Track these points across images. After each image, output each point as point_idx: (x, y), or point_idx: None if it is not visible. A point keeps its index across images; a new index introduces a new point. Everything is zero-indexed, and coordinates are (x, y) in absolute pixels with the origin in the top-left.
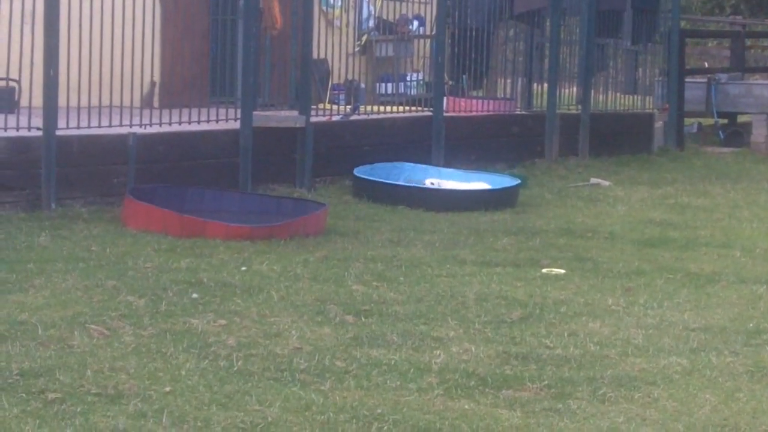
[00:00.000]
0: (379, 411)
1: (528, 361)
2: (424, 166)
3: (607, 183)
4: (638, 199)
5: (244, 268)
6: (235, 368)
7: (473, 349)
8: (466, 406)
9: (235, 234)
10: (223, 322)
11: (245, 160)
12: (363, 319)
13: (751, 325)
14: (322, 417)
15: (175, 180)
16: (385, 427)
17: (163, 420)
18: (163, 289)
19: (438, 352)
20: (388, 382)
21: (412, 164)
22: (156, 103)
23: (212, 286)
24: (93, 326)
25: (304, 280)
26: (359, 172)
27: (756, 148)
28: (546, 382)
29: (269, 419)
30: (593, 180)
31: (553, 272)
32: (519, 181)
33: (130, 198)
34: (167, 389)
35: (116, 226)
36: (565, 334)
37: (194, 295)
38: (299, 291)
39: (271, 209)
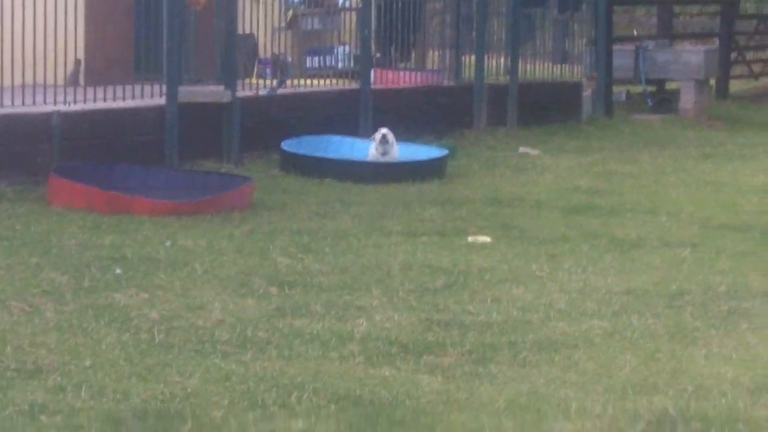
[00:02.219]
0: (299, 380)
1: (450, 327)
2: (351, 138)
3: (535, 152)
4: (566, 167)
5: (168, 243)
6: (157, 341)
7: (396, 317)
8: (387, 373)
9: (160, 210)
10: (145, 296)
11: (171, 136)
12: (287, 290)
13: (673, 287)
14: (243, 387)
15: (102, 158)
16: (305, 396)
17: (82, 394)
18: (87, 266)
19: (361, 321)
20: (309, 351)
21: (339, 137)
22: (81, 82)
23: (136, 262)
24: (14, 303)
25: (228, 253)
26: (286, 145)
27: (684, 114)
28: (468, 347)
29: (189, 390)
30: (521, 149)
31: (479, 240)
32: (446, 152)
33: (54, 176)
34: (87, 363)
35: (41, 205)
36: (489, 301)
37: (117, 271)
38: (223, 264)
39: (197, 185)
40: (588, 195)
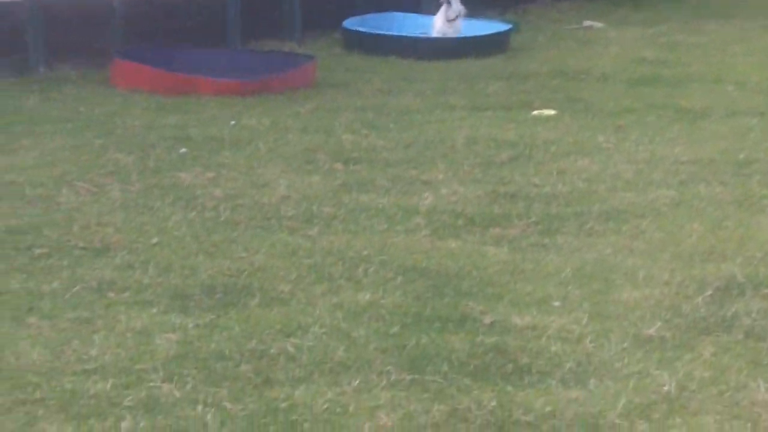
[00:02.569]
0: (365, 253)
1: (516, 199)
2: (415, 15)
3: (600, 24)
4: (631, 38)
5: (233, 123)
6: (222, 218)
7: (461, 190)
8: (453, 245)
9: (224, 89)
10: (210, 175)
11: (233, 16)
12: (352, 166)
13: (741, 156)
14: (309, 261)
15: (164, 41)
16: (372, 268)
17: (150, 270)
18: (151, 146)
19: (426, 194)
20: (375, 225)
21: (403, 14)
22: None
23: (200, 141)
24: (80, 183)
25: (293, 131)
26: (349, 24)
27: None
28: (533, 218)
29: (256, 265)
30: (586, 22)
31: (544, 114)
32: (510, 26)
33: (118, 58)
34: (154, 241)
35: (105, 88)
36: (554, 173)
37: (182, 150)
38: (288, 142)
39: (260, 65)
40: (653, 66)
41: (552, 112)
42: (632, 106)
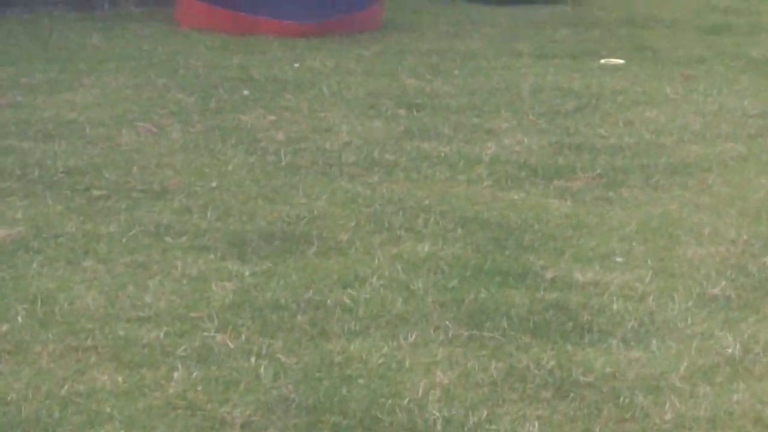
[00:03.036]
0: (426, 202)
1: (581, 150)
2: None
3: None
4: None
5: (296, 65)
6: (283, 163)
7: (525, 140)
8: (516, 197)
9: (288, 31)
10: (272, 117)
11: None
12: (415, 112)
13: None
14: (369, 209)
15: None
16: (432, 218)
17: (208, 214)
18: (214, 87)
19: (489, 144)
20: (437, 173)
21: None
22: None
23: (263, 83)
24: (140, 124)
25: (356, 74)
26: None
27: None
28: (598, 171)
29: (315, 212)
30: None
31: (612, 62)
32: None
33: None
34: (213, 184)
35: (169, 26)
36: (621, 124)
37: (245, 92)
38: (351, 86)
39: (326, 5)
40: (725, 14)
41: (620, 61)
42: (701, 55)
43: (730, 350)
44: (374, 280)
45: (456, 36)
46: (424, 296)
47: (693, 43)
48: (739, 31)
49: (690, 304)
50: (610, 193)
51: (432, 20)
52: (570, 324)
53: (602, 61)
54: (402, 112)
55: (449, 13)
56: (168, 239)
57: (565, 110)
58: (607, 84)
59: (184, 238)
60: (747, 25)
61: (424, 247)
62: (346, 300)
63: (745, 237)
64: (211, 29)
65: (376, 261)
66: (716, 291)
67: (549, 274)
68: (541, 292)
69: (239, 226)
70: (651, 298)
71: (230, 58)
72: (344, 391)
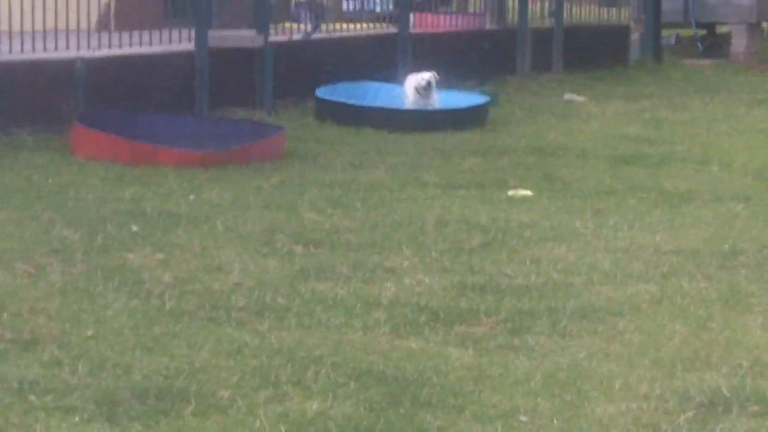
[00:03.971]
0: (318, 353)
1: (485, 292)
2: (389, 85)
3: (581, 98)
4: (613, 113)
5: (192, 197)
6: (167, 308)
7: (427, 280)
8: (414, 345)
9: (186, 160)
10: (161, 256)
11: (202, 83)
12: (312, 249)
13: (726, 246)
14: (255, 361)
15: (128, 106)
16: (323, 371)
17: (80, 368)
18: (103, 221)
19: (389, 284)
20: (331, 319)
21: (377, 84)
22: (111, 26)
23: (155, 217)
24: (19, 264)
25: (254, 208)
26: (321, 93)
27: (735, 58)
28: (503, 315)
29: (196, 365)
30: (567, 95)
31: (520, 194)
32: (488, 99)
33: (77, 124)
34: (89, 333)
35: (63, 156)
36: (528, 261)
37: (134, 228)
38: (248, 220)
39: (227, 134)
40: (636, 144)
41: (528, 192)
42: (612, 186)
43: None
44: None
45: (360, 166)
46: None
47: (604, 174)
48: (650, 161)
49: None
50: (515, 341)
51: (336, 150)
52: None
53: (510, 192)
54: (299, 249)
55: (354, 142)
56: (32, 398)
57: (470, 246)
58: (515, 217)
59: (50, 396)
60: (658, 154)
61: (313, 405)
62: None
63: (658, 391)
64: (107, 159)
65: (258, 422)
66: None
67: None
68: None
69: (112, 381)
70: None
71: (123, 191)
72: None
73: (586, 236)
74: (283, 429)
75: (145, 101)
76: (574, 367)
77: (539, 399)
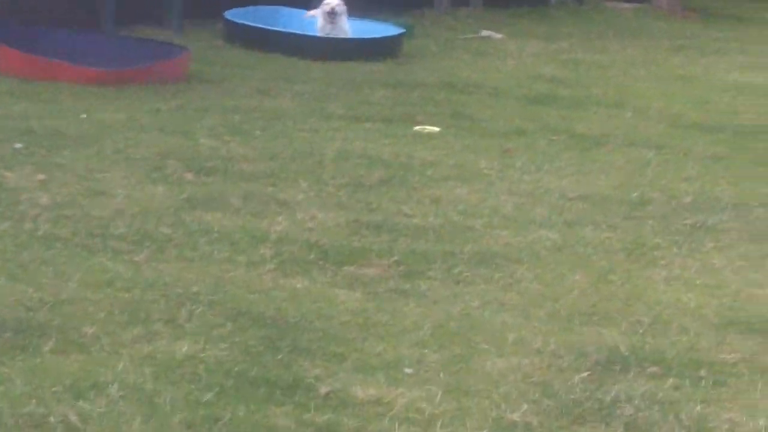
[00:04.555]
0: (194, 289)
1: (380, 231)
2: (303, 11)
3: (499, 36)
4: (530, 53)
5: (83, 116)
6: (40, 232)
7: (320, 215)
8: (299, 285)
9: (84, 77)
10: (42, 176)
11: None
12: (204, 177)
13: (635, 194)
14: (127, 295)
15: (28, 20)
16: (198, 310)
17: None
18: None
19: (280, 218)
20: (215, 253)
21: (290, 9)
22: None
23: (41, 135)
24: None
25: (148, 131)
26: (231, 15)
27: (658, 4)
28: (396, 257)
29: (63, 296)
30: (484, 32)
31: (426, 130)
32: (403, 31)
33: None
34: None
35: None
36: (427, 201)
37: (17, 145)
38: (140, 144)
39: (130, 53)
40: (551, 84)
41: (435, 129)
42: (523, 127)
43: None
44: (114, 388)
45: (265, 93)
46: (170, 413)
47: (515, 114)
48: (564, 103)
49: None
50: (407, 285)
51: (242, 75)
52: None
53: (417, 127)
54: (189, 176)
55: (262, 68)
56: None
57: (369, 182)
58: (419, 154)
59: None
60: (573, 96)
61: (183, 347)
62: (72, 417)
63: (552, 347)
64: (3, 72)
65: (122, 363)
66: (515, 416)
67: (323, 388)
68: (311, 412)
69: None
70: (439, 424)
71: (13, 106)
72: None
73: (491, 177)
74: (147, 371)
75: (48, 15)
76: (466, 317)
77: (426, 350)
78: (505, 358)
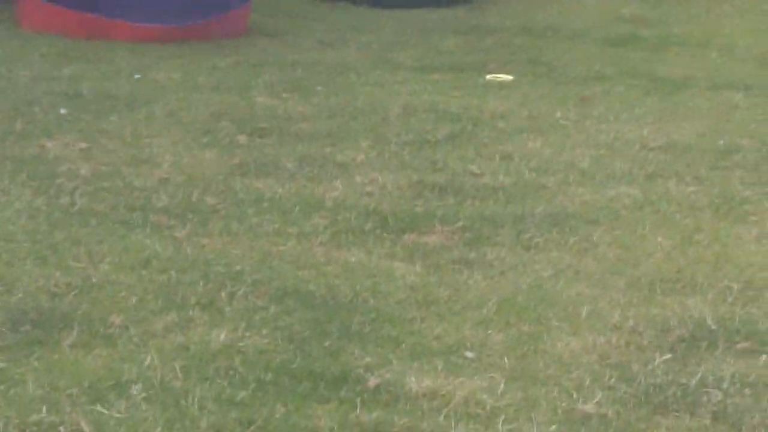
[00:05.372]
0: (238, 267)
1: (445, 193)
2: None
3: None
4: None
5: (137, 77)
6: (76, 207)
7: (381, 178)
8: (353, 258)
9: (142, 35)
10: (84, 145)
11: None
12: (258, 139)
13: (721, 142)
14: (163, 277)
15: None
16: (240, 291)
17: None
18: (29, 104)
19: (337, 182)
20: (264, 224)
21: None
22: None
23: (90, 99)
24: None
25: (203, 90)
26: None
27: None
28: (461, 222)
29: (92, 280)
30: None
31: (499, 78)
32: None
33: None
34: None
35: (9, 28)
36: (497, 157)
37: (62, 111)
38: (192, 105)
39: (191, 6)
40: (631, 24)
41: (508, 77)
42: (602, 71)
43: None
44: (137, 388)
45: (330, 45)
46: (198, 417)
47: (594, 57)
48: (646, 44)
49: (553, 428)
50: (472, 254)
51: (307, 26)
52: None
53: (489, 76)
54: (242, 138)
55: (327, 18)
56: None
57: (435, 138)
58: (490, 105)
59: None
60: (654, 36)
61: (220, 335)
62: (85, 427)
63: (631, 322)
64: (57, 33)
65: (149, 358)
66: (589, 407)
67: (373, 380)
68: (357, 410)
69: None
70: (501, 418)
71: (64, 68)
72: None
73: (567, 128)
74: (177, 366)
75: None
76: (536, 289)
77: (491, 330)
78: (579, 336)
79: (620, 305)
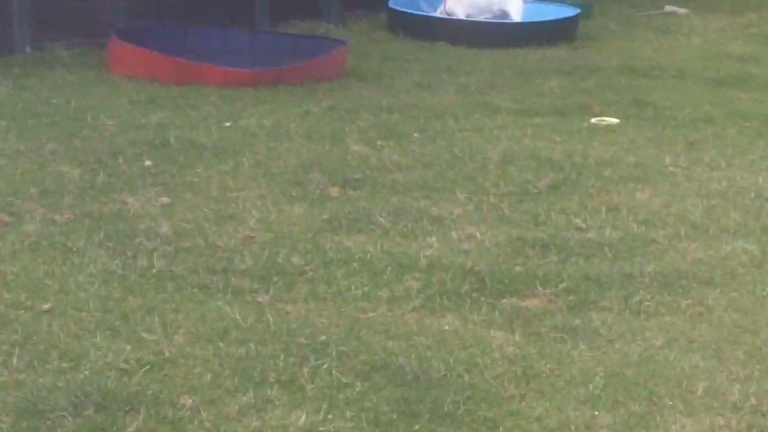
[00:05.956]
0: (323, 337)
1: (548, 250)
2: None
3: (683, 11)
4: (717, 28)
5: (228, 124)
6: (154, 270)
7: (479, 234)
8: (447, 327)
9: (233, 80)
10: (166, 200)
11: None
12: (350, 191)
13: None
14: (240, 350)
15: (179, 18)
16: (325, 366)
17: (14, 361)
18: (113, 155)
19: (432, 239)
20: (353, 287)
21: None
22: None
23: (177, 149)
24: None
25: (294, 138)
26: (394, 2)
27: None
28: (565, 283)
29: (165, 354)
30: (668, 8)
31: (604, 122)
32: (578, 11)
33: (115, 38)
34: (45, 307)
35: (99, 74)
36: (604, 209)
37: (147, 163)
38: (282, 153)
39: (284, 50)
40: (741, 63)
41: (614, 120)
42: (711, 113)
43: None
44: None
45: (427, 87)
46: None
47: (702, 98)
48: (756, 83)
49: None
50: (576, 321)
51: (403, 68)
52: None
53: (593, 120)
54: (334, 191)
55: (426, 59)
56: None
57: (536, 189)
58: (594, 151)
59: None
60: (765, 76)
61: (300, 419)
62: None
63: (753, 400)
64: (147, 78)
65: None
66: None
67: None
68: None
69: (49, 380)
70: None
71: (151, 115)
72: None
73: (676, 176)
74: None
75: (198, 14)
76: (646, 361)
77: (597, 410)
78: (695, 417)
79: (740, 380)
